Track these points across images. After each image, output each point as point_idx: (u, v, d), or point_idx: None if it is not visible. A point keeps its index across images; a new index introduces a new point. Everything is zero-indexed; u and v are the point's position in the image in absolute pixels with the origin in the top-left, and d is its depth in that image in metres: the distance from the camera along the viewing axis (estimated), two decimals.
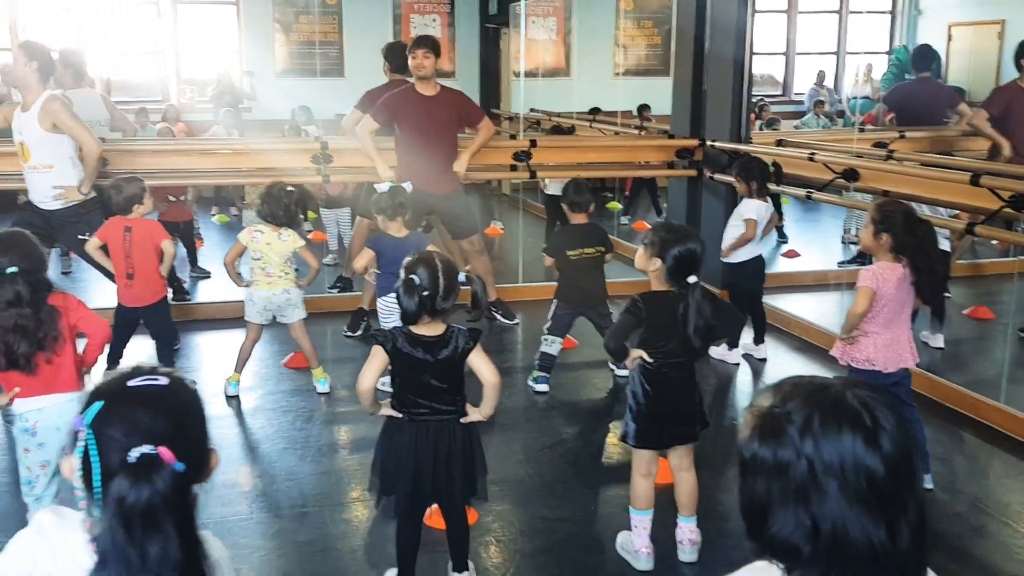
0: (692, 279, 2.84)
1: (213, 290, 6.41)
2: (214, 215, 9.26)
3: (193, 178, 6.16)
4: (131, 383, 1.30)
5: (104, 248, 4.35)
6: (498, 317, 5.62)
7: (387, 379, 2.79)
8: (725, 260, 4.91)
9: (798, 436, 1.11)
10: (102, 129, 5.60)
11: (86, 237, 4.65)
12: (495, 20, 10.83)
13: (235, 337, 4.68)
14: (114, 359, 4.54)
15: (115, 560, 1.20)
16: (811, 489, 1.09)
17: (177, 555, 1.21)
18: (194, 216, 7.01)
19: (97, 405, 1.27)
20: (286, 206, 4.40)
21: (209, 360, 5.02)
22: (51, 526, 1.36)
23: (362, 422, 4.25)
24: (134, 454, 1.21)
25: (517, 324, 5.64)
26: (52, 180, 4.58)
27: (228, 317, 5.60)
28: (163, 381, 1.31)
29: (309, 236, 8.15)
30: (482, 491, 2.79)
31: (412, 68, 5.16)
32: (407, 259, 2.63)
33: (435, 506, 2.87)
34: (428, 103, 5.13)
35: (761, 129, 8.57)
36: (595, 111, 8.68)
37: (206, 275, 6.78)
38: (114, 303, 4.42)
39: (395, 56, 5.90)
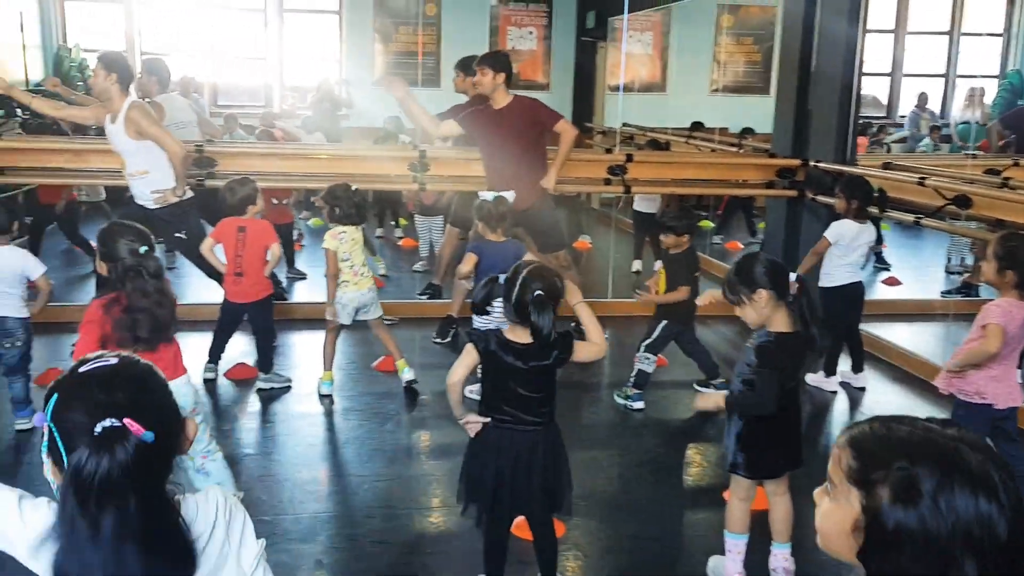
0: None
1: (309, 291, 6.55)
2: (307, 219, 9.47)
3: (295, 182, 6.30)
4: (80, 369, 1.30)
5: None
6: None
7: (475, 387, 2.80)
8: (821, 285, 4.79)
9: (933, 501, 1.05)
10: (192, 131, 5.80)
11: (183, 235, 4.82)
12: (592, 33, 10.83)
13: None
14: (217, 353, 4.70)
15: (61, 529, 1.19)
16: (951, 555, 1.05)
17: (136, 525, 1.19)
18: (294, 219, 7.18)
19: (54, 398, 1.28)
20: (356, 204, 4.50)
21: (304, 359, 5.12)
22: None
23: (450, 428, 4.24)
24: (99, 427, 1.20)
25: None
26: (150, 185, 4.74)
27: (323, 318, 5.72)
28: (112, 361, 1.31)
29: (400, 243, 8.28)
30: (567, 506, 2.76)
31: (475, 83, 5.18)
32: (525, 266, 2.64)
33: (522, 517, 2.86)
34: (500, 115, 5.11)
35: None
36: (697, 126, 8.57)
37: (302, 276, 6.93)
38: (210, 298, 4.56)
39: (467, 71, 5.95)
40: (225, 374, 4.74)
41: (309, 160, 6.04)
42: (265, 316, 4.65)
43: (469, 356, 2.63)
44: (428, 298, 6.23)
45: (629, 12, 7.23)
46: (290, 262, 6.97)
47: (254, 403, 4.50)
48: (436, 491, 3.66)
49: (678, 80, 10.45)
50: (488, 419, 2.64)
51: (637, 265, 7.33)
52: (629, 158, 6.00)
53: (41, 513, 1.29)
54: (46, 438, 1.26)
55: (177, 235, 4.88)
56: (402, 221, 8.69)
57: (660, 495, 3.67)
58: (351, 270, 4.47)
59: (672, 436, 4.41)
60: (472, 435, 2.67)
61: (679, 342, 4.65)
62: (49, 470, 1.29)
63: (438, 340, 5.44)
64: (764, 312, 2.70)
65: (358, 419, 4.33)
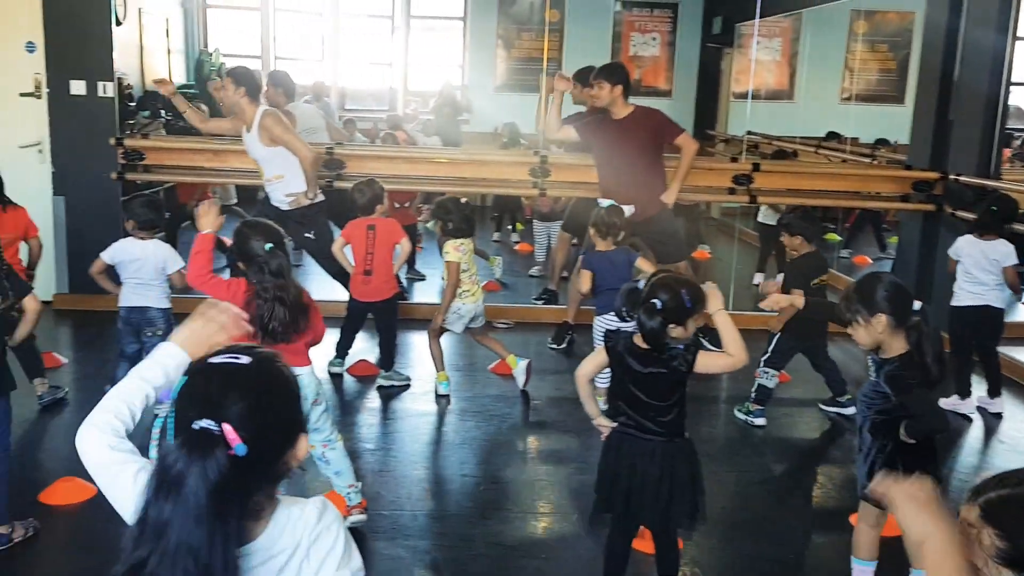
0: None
1: (427, 293, 6.67)
2: (427, 221, 9.64)
3: (419, 185, 6.42)
4: (213, 359, 1.28)
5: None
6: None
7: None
8: (950, 304, 4.56)
9: None
10: (321, 136, 6.01)
11: (311, 236, 4.99)
12: (718, 40, 10.63)
13: (447, 338, 4.82)
14: (344, 349, 4.84)
15: (148, 510, 1.19)
16: None
17: (195, 538, 1.15)
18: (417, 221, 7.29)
19: (182, 380, 1.28)
20: (466, 217, 4.55)
21: (422, 359, 5.19)
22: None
23: (564, 434, 4.27)
24: (197, 424, 1.19)
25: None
26: (285, 189, 4.97)
27: (420, 318, 5.86)
28: (243, 360, 1.27)
29: (516, 247, 8.33)
30: (691, 522, 2.70)
31: (591, 96, 5.12)
32: (644, 281, 2.63)
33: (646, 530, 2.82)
34: (619, 126, 5.05)
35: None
36: (831, 136, 8.29)
37: (421, 278, 7.06)
38: (333, 296, 4.70)
39: (583, 82, 5.91)
40: (348, 370, 4.87)
41: (432, 164, 6.14)
42: (390, 315, 4.76)
43: (600, 354, 2.68)
44: (544, 303, 6.24)
45: (759, 17, 7.04)
46: (411, 263, 7.11)
47: (374, 400, 4.60)
48: (550, 496, 3.65)
49: (807, 88, 10.13)
50: (615, 423, 2.65)
51: (759, 278, 7.14)
52: (756, 167, 5.85)
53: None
54: (163, 415, 1.28)
55: (307, 236, 5.06)
56: (519, 226, 8.75)
57: (781, 515, 3.56)
58: (470, 280, 4.53)
59: (794, 455, 4.27)
60: (603, 438, 2.69)
61: (809, 356, 4.47)
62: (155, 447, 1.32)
63: (553, 346, 5.44)
64: (879, 337, 2.59)
65: (474, 420, 4.37)
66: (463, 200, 4.65)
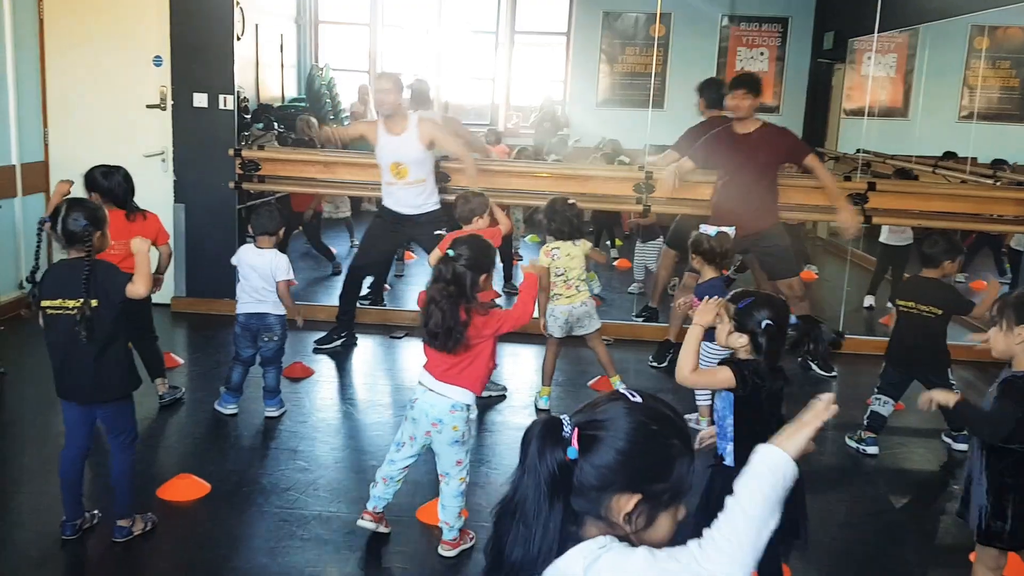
0: None
1: None
2: (524, 234, 9.69)
3: (519, 198, 6.43)
4: (632, 399, 1.34)
5: None
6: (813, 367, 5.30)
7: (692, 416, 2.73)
8: None
9: None
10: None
11: (443, 232, 5.05)
12: (829, 55, 10.37)
13: (543, 352, 4.81)
14: None
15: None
16: None
17: (547, 544, 1.24)
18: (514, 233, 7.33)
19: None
20: (569, 219, 4.53)
21: (518, 371, 5.21)
22: None
23: None
24: (568, 427, 1.28)
25: (834, 376, 5.30)
26: (423, 194, 5.13)
27: (537, 332, 5.82)
28: (636, 399, 1.34)
29: (615, 264, 8.26)
30: (784, 545, 2.61)
31: (730, 108, 5.05)
32: (748, 300, 2.59)
33: None
34: (745, 142, 4.97)
35: None
36: (948, 155, 7.97)
37: (517, 292, 7.05)
38: None
39: (710, 92, 5.83)
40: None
41: (535, 178, 6.15)
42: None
43: (723, 373, 2.55)
44: (644, 320, 6.17)
45: (872, 33, 6.82)
46: (507, 277, 7.13)
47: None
48: None
49: (923, 105, 9.76)
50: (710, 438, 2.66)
51: (870, 300, 6.89)
52: (871, 186, 5.66)
53: None
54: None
55: (437, 232, 5.15)
56: (617, 242, 8.68)
57: (893, 550, 3.40)
58: (564, 284, 4.52)
59: (908, 486, 4.08)
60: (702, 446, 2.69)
61: (927, 384, 4.26)
62: None
63: (655, 364, 5.36)
64: (1015, 348, 2.54)
65: None
66: (570, 201, 4.63)
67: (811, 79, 10.80)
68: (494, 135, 10.02)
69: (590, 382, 4.97)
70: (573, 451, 1.25)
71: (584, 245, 4.59)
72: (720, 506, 1.29)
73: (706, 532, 1.25)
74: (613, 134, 9.04)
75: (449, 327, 2.89)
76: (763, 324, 2.50)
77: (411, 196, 5.15)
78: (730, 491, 1.28)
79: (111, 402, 3.01)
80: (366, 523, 3.18)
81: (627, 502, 1.27)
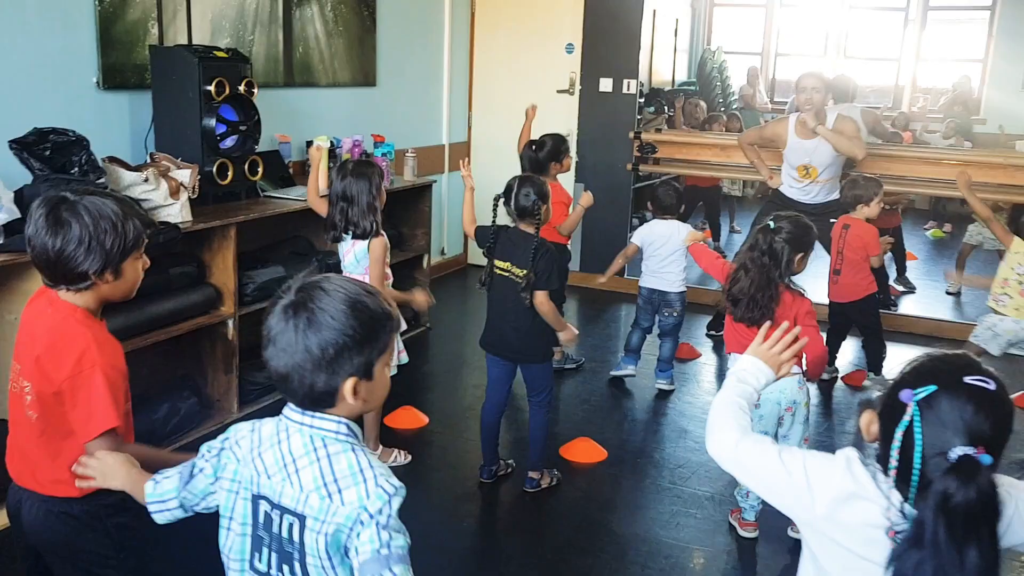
0: None
1: (916, 305, 6.14)
2: (928, 229, 8.87)
3: (918, 187, 5.86)
4: (966, 378, 1.28)
5: None
6: None
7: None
8: None
9: None
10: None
11: (833, 221, 4.79)
12: None
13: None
14: (831, 354, 4.65)
15: (930, 554, 1.20)
16: None
17: (988, 566, 1.18)
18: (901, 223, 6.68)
19: (930, 388, 1.28)
20: None
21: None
22: (856, 461, 1.39)
23: None
24: (954, 454, 1.22)
25: None
26: (826, 189, 4.85)
27: (920, 333, 5.45)
28: (992, 386, 1.28)
29: None
30: None
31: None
32: None
33: None
34: None
35: None
36: None
37: (910, 289, 6.48)
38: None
39: None
40: (842, 378, 4.67)
41: (936, 165, 5.56)
42: (866, 315, 4.51)
43: None
44: None
45: None
46: (900, 270, 6.57)
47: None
48: None
49: None
50: None
51: None
52: None
53: (834, 478, 1.38)
54: (908, 416, 1.29)
55: (831, 220, 4.97)
56: None
57: None
58: (1021, 286, 4.01)
59: None
60: None
61: None
62: (866, 423, 1.39)
63: None
64: None
65: None
66: None
67: None
68: (904, 119, 9.27)
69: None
70: (987, 458, 1.23)
71: None
72: None
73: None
74: None
75: (752, 296, 2.84)
76: None
77: (815, 191, 4.90)
78: None
79: (535, 363, 3.28)
80: (748, 534, 3.14)
81: None
